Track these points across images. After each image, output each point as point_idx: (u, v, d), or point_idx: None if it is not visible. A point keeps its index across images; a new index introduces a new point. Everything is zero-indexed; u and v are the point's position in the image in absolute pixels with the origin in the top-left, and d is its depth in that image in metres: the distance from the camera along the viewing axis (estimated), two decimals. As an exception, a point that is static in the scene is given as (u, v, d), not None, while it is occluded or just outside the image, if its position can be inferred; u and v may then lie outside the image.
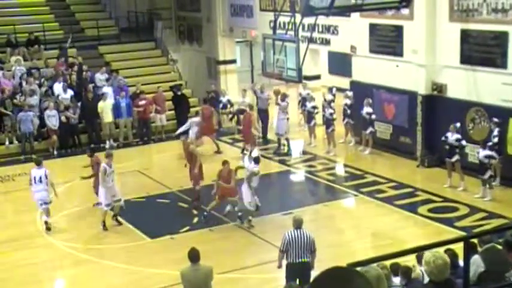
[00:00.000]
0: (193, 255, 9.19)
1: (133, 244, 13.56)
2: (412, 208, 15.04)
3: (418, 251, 5.48)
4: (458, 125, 15.84)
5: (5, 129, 20.54)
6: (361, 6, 14.94)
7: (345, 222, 15.12)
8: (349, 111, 19.58)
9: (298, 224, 10.28)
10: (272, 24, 17.87)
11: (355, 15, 19.12)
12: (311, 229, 14.37)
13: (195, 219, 14.80)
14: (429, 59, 17.54)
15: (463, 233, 12.67)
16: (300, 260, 10.16)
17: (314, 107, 20.27)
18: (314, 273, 10.27)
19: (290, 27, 16.50)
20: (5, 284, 12.23)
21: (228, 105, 22.89)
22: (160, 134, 22.05)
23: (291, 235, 10.14)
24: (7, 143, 20.44)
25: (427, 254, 5.57)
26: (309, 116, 20.33)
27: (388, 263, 7.95)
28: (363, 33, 19.42)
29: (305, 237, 10.20)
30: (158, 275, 12.15)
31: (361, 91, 19.45)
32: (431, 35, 17.41)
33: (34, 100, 20.77)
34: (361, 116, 18.94)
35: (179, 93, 22.70)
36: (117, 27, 26.43)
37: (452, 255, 8.05)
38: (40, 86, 21.53)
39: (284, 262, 10.43)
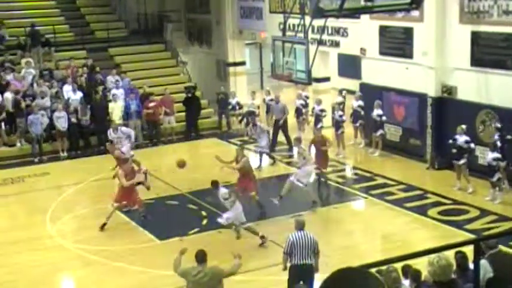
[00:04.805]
0: (199, 256, 9.22)
1: (143, 246, 13.58)
2: (421, 210, 14.99)
3: (428, 253, 5.45)
4: (464, 126, 15.79)
5: (17, 131, 20.68)
6: (371, 8, 14.87)
7: (354, 224, 15.06)
8: (362, 113, 19.55)
9: (301, 226, 10.28)
10: (281, 26, 17.87)
11: (364, 17, 19.07)
12: (320, 231, 14.36)
13: (205, 221, 14.82)
14: (439, 61, 17.48)
15: (473, 236, 12.61)
16: (304, 262, 10.13)
17: (322, 110, 20.26)
18: (318, 275, 10.27)
19: (299, 29, 16.48)
20: (14, 286, 12.26)
21: (237, 107, 22.92)
22: (170, 136, 22.10)
23: (295, 237, 10.12)
24: (18, 144, 20.58)
25: (431, 255, 5.56)
26: (316, 119, 20.32)
27: (398, 265, 7.92)
28: (372, 35, 19.38)
29: (309, 239, 10.20)
30: (167, 276, 12.12)
31: (371, 93, 19.42)
32: (442, 37, 17.35)
33: (47, 102, 20.91)
34: (371, 118, 18.91)
35: (189, 94, 22.76)
36: (127, 30, 26.54)
37: (463, 257, 8.02)
38: (50, 87, 21.66)
39: (287, 264, 10.42)
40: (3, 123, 20.75)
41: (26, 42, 23.46)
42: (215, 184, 13.46)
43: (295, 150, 15.74)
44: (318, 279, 10.24)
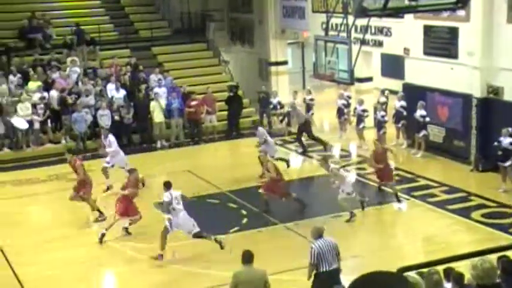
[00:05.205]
0: (248, 257, 9.22)
1: (183, 243, 13.65)
2: (465, 213, 14.74)
3: (471, 256, 5.35)
4: (510, 129, 15.47)
5: (62, 128, 21.07)
6: (415, 8, 14.66)
7: (396, 226, 14.91)
8: (404, 113, 19.35)
9: (320, 233, 10.20)
10: (324, 26, 17.77)
11: (408, 17, 18.85)
12: (361, 233, 14.28)
13: (245, 220, 14.86)
14: (485, 61, 17.16)
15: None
16: (332, 267, 10.10)
17: (364, 110, 20.14)
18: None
19: (342, 28, 16.37)
20: (59, 280, 12.48)
21: (279, 107, 22.91)
22: (212, 135, 22.22)
23: (319, 246, 10.03)
24: (63, 141, 20.97)
25: (475, 258, 5.46)
26: (358, 119, 20.21)
27: (440, 268, 7.79)
28: (416, 35, 19.14)
29: (331, 244, 10.17)
30: (206, 275, 12.20)
31: (414, 94, 19.19)
32: (488, 37, 17.03)
33: (91, 100, 21.26)
34: (414, 118, 18.69)
35: (231, 93, 22.85)
36: (170, 29, 26.76)
37: (507, 262, 7.85)
38: (95, 86, 22.01)
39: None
40: (49, 121, 21.19)
41: (72, 41, 23.87)
42: (167, 185, 12.94)
43: (326, 169, 15.20)
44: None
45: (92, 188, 15.35)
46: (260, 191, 15.22)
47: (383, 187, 15.86)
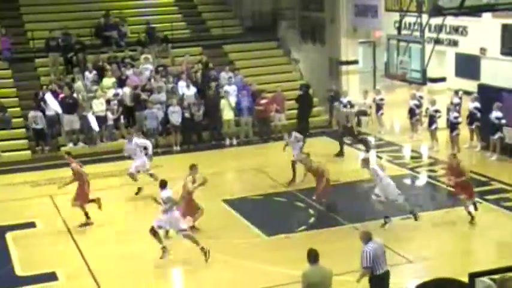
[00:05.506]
0: (315, 256, 9.16)
1: (249, 241, 13.70)
2: (541, 219, 14.22)
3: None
4: None
5: (136, 124, 21.49)
6: (493, 6, 14.24)
7: (468, 229, 14.51)
8: (478, 115, 18.84)
9: (370, 236, 10.13)
10: (397, 25, 17.49)
11: (486, 15, 18.33)
12: (431, 235, 13.96)
13: (312, 219, 14.79)
14: None
15: None
16: (386, 269, 10.05)
17: (436, 111, 19.72)
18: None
19: (416, 27, 16.07)
20: (123, 272, 12.70)
21: (349, 106, 22.67)
22: (281, 133, 22.20)
23: (372, 248, 9.96)
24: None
25: None
26: (430, 120, 19.79)
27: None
28: (494, 34, 18.59)
29: (381, 246, 10.12)
30: (273, 273, 12.19)
31: (490, 94, 18.65)
32: None
33: (162, 97, 21.65)
34: (488, 120, 18.18)
35: (301, 92, 22.78)
36: (242, 27, 26.92)
37: None
38: (167, 83, 22.38)
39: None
40: (121, 117, 21.67)
41: (145, 39, 24.35)
42: (163, 184, 13.01)
43: (365, 169, 14.68)
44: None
45: (88, 186, 15.19)
46: (314, 198, 15.31)
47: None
